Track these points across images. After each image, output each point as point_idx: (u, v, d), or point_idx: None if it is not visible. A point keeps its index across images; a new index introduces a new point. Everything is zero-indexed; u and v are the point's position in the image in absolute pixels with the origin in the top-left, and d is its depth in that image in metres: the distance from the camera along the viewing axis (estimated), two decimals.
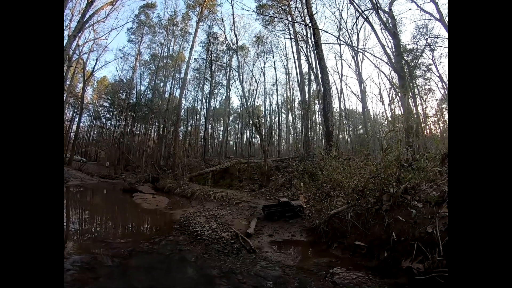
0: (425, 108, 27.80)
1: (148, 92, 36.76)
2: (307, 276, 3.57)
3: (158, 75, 35.66)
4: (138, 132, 39.64)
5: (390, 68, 16.69)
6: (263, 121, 37.39)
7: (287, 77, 35.36)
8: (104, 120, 41.79)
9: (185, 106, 37.63)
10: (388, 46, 19.04)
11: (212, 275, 3.64)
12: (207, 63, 33.52)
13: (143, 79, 37.08)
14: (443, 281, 3.04)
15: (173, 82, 34.61)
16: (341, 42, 21.82)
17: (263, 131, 35.02)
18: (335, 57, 29.81)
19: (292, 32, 24.93)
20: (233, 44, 26.68)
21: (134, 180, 18.28)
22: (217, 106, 40.39)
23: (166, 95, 34.38)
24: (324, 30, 15.89)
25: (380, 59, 16.80)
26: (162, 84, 36.05)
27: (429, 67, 26.15)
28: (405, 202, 4.26)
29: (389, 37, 17.82)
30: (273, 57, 34.98)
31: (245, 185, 13.52)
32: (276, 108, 35.65)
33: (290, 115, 38.26)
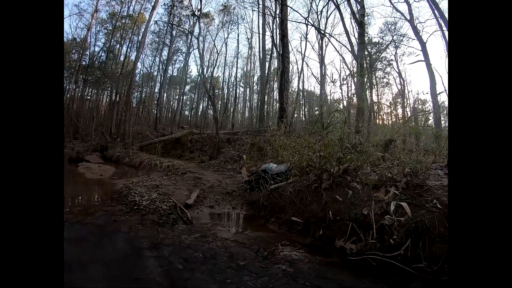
0: (380, 99, 29.10)
1: (103, 54, 34.16)
2: (239, 250, 3.49)
3: (115, 36, 33.25)
4: (89, 98, 37.24)
5: (352, 57, 16.99)
6: (220, 93, 36.71)
7: (250, 51, 34.68)
8: None
9: (141, 72, 35.67)
10: (353, 35, 19.32)
11: (142, 247, 3.49)
12: (168, 27, 31.84)
13: (98, 40, 34.06)
14: (375, 263, 3.11)
15: (130, 45, 32.47)
16: (309, 23, 21.65)
17: (219, 103, 34.50)
18: (300, 38, 29.64)
19: (261, 5, 24.37)
20: (198, 11, 25.58)
21: (83, 149, 17.26)
22: (175, 74, 38.84)
23: (122, 58, 32.38)
24: (293, 9, 15.69)
25: (344, 45, 17.02)
26: (118, 46, 33.79)
27: (391, 62, 27.15)
28: (344, 183, 4.27)
29: (356, 26, 18.00)
30: (237, 28, 34.00)
31: (196, 156, 13.26)
32: (235, 81, 35.12)
33: (248, 89, 37.83)
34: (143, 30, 28.37)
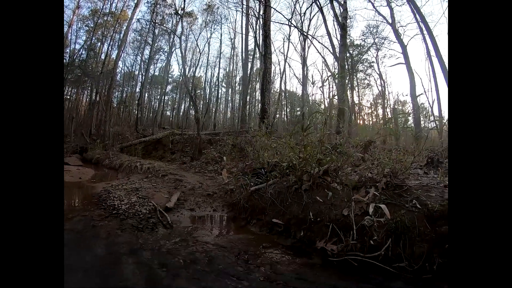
0: (361, 100, 29.67)
1: (83, 52, 33.37)
2: (219, 254, 3.44)
3: (96, 33, 32.47)
4: (68, 97, 36.26)
5: (334, 59, 17.18)
6: (202, 93, 36.41)
7: (232, 51, 34.58)
8: None
9: (122, 71, 34.99)
10: (336, 37, 19.57)
11: (121, 253, 3.42)
12: (151, 25, 31.29)
13: (79, 37, 33.23)
14: (356, 264, 3.13)
15: (111, 43, 31.80)
16: (292, 25, 21.78)
17: (201, 103, 34.22)
18: (284, 39, 29.79)
19: (245, 6, 24.33)
20: (182, 10, 25.33)
21: None
22: (156, 73, 38.27)
23: (103, 57, 31.62)
24: (276, 10, 15.71)
25: (325, 46, 17.19)
26: (99, 44, 32.99)
27: (372, 64, 27.62)
28: (324, 184, 4.30)
29: (339, 29, 18.24)
30: (221, 28, 33.80)
31: (177, 157, 13.11)
32: (217, 81, 34.95)
33: (230, 90, 37.69)
34: (125, 28, 27.83)
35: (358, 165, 5.33)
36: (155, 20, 30.38)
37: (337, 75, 14.61)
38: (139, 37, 33.18)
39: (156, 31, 31.58)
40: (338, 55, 14.30)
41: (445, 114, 22.12)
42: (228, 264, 3.15)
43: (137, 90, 33.30)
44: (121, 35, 29.28)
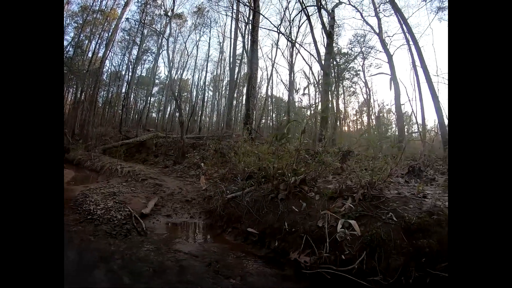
0: (347, 107, 30.02)
1: (70, 49, 32.73)
2: (191, 263, 3.39)
3: (84, 30, 31.86)
4: None
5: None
6: (188, 96, 36.19)
7: (220, 55, 34.44)
8: None
9: (109, 70, 34.41)
10: (324, 45, 19.77)
11: (92, 260, 3.35)
12: (140, 25, 30.90)
13: (67, 33, 32.62)
14: (329, 277, 3.07)
15: (99, 41, 31.28)
16: (280, 32, 21.91)
17: (187, 106, 33.99)
18: (272, 44, 29.89)
19: (235, 10, 24.36)
20: (171, 11, 25.19)
21: None
22: (143, 74, 37.82)
23: (90, 55, 31.03)
24: (264, 17, 15.80)
25: (311, 54, 17.32)
26: (87, 41, 32.39)
27: (358, 72, 27.97)
28: (301, 193, 4.27)
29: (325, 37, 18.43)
30: (210, 31, 33.76)
31: (160, 160, 12.96)
32: (204, 84, 34.77)
33: (217, 93, 37.51)
34: (113, 26, 27.50)
35: (339, 173, 5.33)
36: (145, 20, 30.08)
37: (321, 83, 14.72)
38: (128, 37, 32.71)
39: (145, 31, 31.23)
40: (323, 62, 14.38)
41: (429, 123, 22.59)
42: (198, 275, 3.11)
43: (123, 90, 32.77)
44: (110, 34, 28.95)
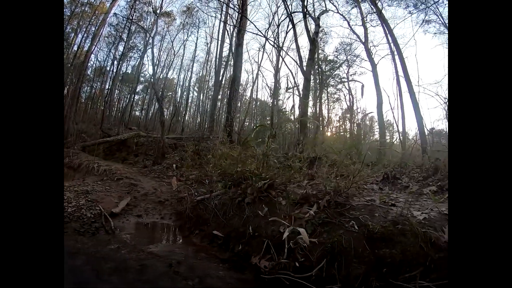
0: (330, 113, 30.43)
1: None
2: (153, 263, 3.43)
3: (71, 23, 31.12)
4: None
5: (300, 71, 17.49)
6: (173, 95, 35.92)
7: (207, 56, 34.30)
8: None
9: (94, 65, 33.82)
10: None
11: None
12: (127, 21, 30.41)
13: None
14: (288, 283, 3.07)
15: (85, 35, 30.62)
16: (265, 37, 22.06)
17: (171, 106, 33.73)
18: (259, 48, 29.99)
19: (224, 12, 24.39)
20: (160, 8, 25.02)
21: None
22: (129, 71, 37.31)
23: (75, 48, 30.33)
24: (250, 21, 15.95)
25: (294, 60, 17.53)
26: (73, 34, 31.68)
27: (343, 80, 28.34)
28: (268, 198, 4.32)
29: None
30: (197, 32, 33.57)
31: (140, 160, 12.85)
32: (189, 85, 34.61)
33: (202, 95, 37.31)
34: (101, 20, 27.05)
35: (313, 179, 5.39)
36: (133, 17, 29.61)
37: (301, 88, 14.85)
38: (115, 32, 32.11)
39: (133, 27, 30.78)
40: (305, 68, 14.56)
41: (410, 131, 23.07)
42: (157, 275, 3.15)
43: (107, 86, 32.19)
44: (96, 28, 28.41)
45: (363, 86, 18.48)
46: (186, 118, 33.48)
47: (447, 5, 16.39)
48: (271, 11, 25.35)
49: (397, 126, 21.18)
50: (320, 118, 25.65)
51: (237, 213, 4.35)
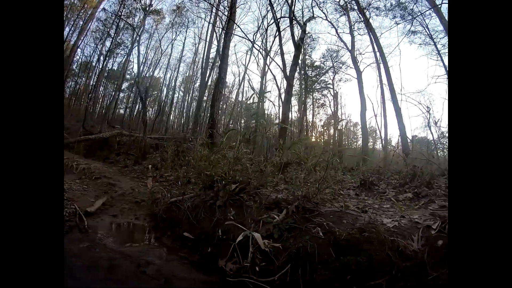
0: (315, 118, 30.81)
1: None
2: (122, 262, 3.50)
3: None
4: None
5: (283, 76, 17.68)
6: (158, 94, 35.65)
7: (195, 56, 34.20)
8: None
9: (80, 60, 33.23)
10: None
11: None
12: (116, 17, 29.90)
13: None
14: (252, 286, 3.12)
15: (73, 28, 30.01)
16: (251, 41, 22.27)
17: (156, 105, 33.47)
18: (246, 51, 30.04)
19: (213, 13, 24.42)
20: (149, 6, 24.83)
21: None
22: (115, 68, 36.76)
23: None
24: (238, 26, 16.08)
25: (278, 65, 17.75)
26: None
27: (328, 86, 28.72)
28: (240, 201, 4.41)
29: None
30: (186, 32, 33.28)
31: (121, 159, 12.90)
32: (175, 85, 34.50)
33: (188, 95, 37.09)
34: (89, 14, 26.62)
35: (287, 182, 5.49)
36: (121, 13, 29.11)
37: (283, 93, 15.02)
38: (102, 27, 31.49)
39: (121, 24, 30.26)
40: (288, 73, 14.76)
41: (393, 138, 23.56)
42: (125, 274, 3.25)
43: (92, 83, 31.59)
44: (84, 22, 27.95)
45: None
46: (171, 118, 33.30)
47: (433, 17, 16.89)
48: (261, 15, 25.47)
49: (380, 132, 21.66)
50: (304, 123, 26.03)
51: (209, 215, 4.42)
